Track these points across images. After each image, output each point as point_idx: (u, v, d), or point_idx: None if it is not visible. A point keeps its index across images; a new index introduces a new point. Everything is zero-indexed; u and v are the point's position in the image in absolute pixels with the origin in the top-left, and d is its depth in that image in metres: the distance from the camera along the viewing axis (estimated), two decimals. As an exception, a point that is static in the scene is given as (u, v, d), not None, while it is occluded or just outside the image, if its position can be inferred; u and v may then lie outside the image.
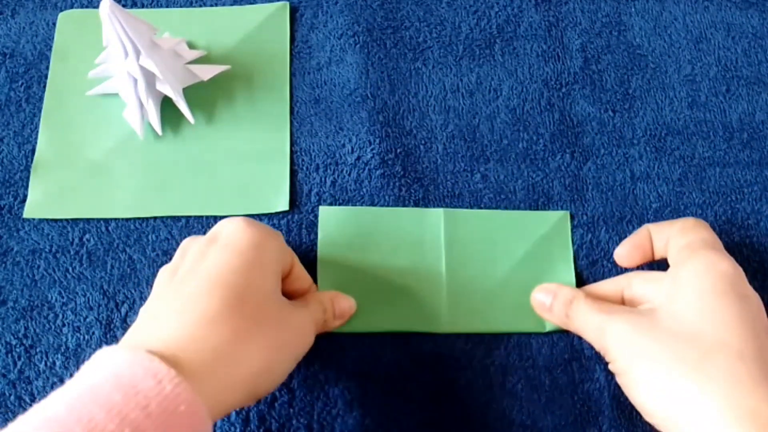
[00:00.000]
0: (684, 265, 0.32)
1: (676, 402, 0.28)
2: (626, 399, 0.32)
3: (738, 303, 0.30)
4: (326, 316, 0.35)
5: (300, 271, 0.35)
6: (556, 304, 0.35)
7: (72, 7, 0.46)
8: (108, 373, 0.25)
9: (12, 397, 0.35)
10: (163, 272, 0.33)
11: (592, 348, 0.37)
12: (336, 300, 0.36)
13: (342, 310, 0.36)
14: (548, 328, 0.37)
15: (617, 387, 0.36)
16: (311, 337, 0.33)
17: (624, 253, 0.36)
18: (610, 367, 0.33)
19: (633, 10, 0.47)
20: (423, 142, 0.42)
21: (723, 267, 0.31)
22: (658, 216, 0.40)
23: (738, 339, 0.29)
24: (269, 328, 0.30)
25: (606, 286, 0.36)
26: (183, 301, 0.29)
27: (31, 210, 0.40)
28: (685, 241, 0.33)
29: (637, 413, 0.31)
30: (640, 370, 0.30)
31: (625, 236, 0.37)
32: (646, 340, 0.30)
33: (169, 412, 0.24)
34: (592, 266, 0.39)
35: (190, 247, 0.32)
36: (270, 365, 0.30)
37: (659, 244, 0.35)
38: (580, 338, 0.37)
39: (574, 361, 0.37)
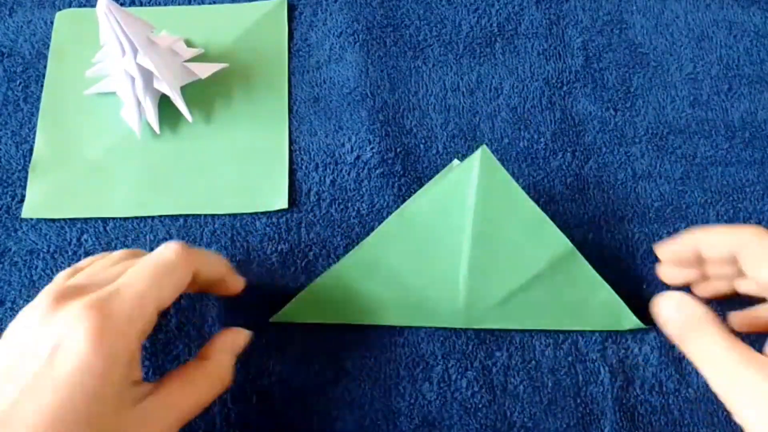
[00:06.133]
0: None
1: None
2: (629, 402, 0.32)
3: None
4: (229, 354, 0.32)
5: (230, 279, 0.34)
6: (679, 317, 0.30)
7: (69, 5, 0.46)
8: None
9: (9, 399, 0.35)
10: (54, 289, 0.28)
11: (596, 350, 0.37)
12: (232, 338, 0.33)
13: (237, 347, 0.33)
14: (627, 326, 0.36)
15: (620, 390, 0.36)
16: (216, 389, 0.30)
17: (665, 272, 0.33)
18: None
19: (634, 8, 0.46)
20: (423, 141, 0.42)
21: None
22: (660, 215, 0.40)
23: None
24: None
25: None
26: None
27: (29, 210, 0.39)
28: None
29: (641, 417, 0.31)
30: None
31: (627, 236, 0.37)
32: None
33: None
34: (594, 266, 0.39)
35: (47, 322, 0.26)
36: None
37: (718, 259, 0.31)
38: (583, 339, 0.36)
39: (577, 363, 0.36)
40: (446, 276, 0.35)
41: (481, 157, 0.35)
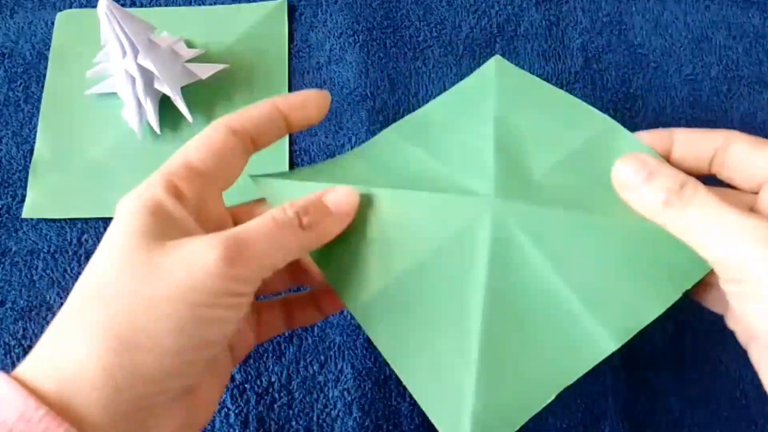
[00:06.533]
0: None
1: None
2: (630, 403, 0.32)
3: None
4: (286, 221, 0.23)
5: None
6: (653, 183, 0.24)
7: (70, 6, 0.46)
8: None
9: (9, 399, 0.35)
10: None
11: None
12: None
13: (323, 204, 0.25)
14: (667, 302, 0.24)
15: (622, 391, 0.36)
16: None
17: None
18: (729, 281, 0.23)
19: (634, 9, 0.46)
20: (423, 141, 0.42)
21: None
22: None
23: None
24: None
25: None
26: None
27: (30, 210, 0.40)
28: None
29: (643, 418, 0.31)
30: None
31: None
32: None
33: None
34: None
35: None
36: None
37: (694, 157, 0.26)
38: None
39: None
40: (472, 162, 0.27)
41: (495, 64, 0.30)
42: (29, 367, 0.20)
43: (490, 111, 0.29)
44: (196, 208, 0.23)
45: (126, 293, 0.20)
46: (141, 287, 0.20)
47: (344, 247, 0.26)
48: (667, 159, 0.26)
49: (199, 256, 0.20)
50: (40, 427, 0.18)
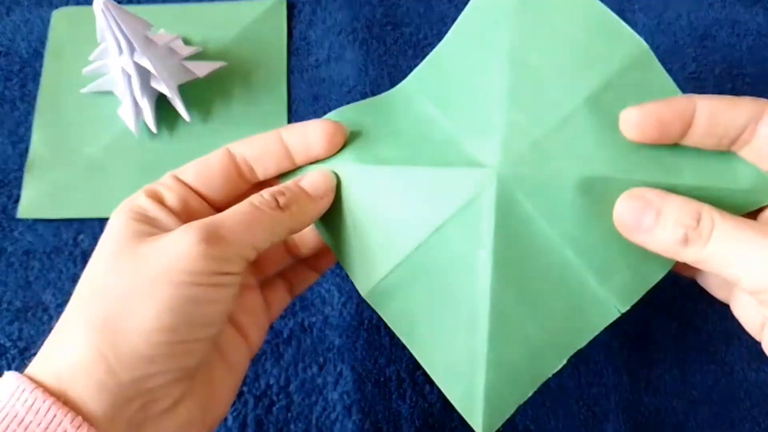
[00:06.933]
0: None
1: None
2: (632, 404, 0.31)
3: None
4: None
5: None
6: (666, 223, 0.22)
7: (66, 4, 0.45)
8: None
9: (5, 401, 0.35)
10: None
11: (599, 351, 0.36)
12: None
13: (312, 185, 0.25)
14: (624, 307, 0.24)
15: (624, 391, 0.35)
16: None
17: (639, 119, 0.23)
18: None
19: (636, 7, 0.46)
20: (423, 140, 0.41)
21: None
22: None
23: None
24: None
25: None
26: None
27: (25, 210, 0.39)
28: None
29: (645, 419, 0.31)
30: None
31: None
32: None
33: None
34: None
35: None
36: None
37: (718, 135, 0.23)
38: (588, 342, 0.36)
39: (581, 364, 0.36)
40: (481, 119, 0.25)
41: None
42: (34, 366, 0.21)
43: (505, 47, 0.25)
44: (182, 210, 0.24)
45: (114, 286, 0.22)
46: (128, 278, 0.22)
47: (352, 231, 0.26)
48: (685, 135, 0.23)
49: (177, 241, 0.22)
50: (48, 417, 0.20)
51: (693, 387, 0.36)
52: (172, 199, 0.24)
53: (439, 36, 0.45)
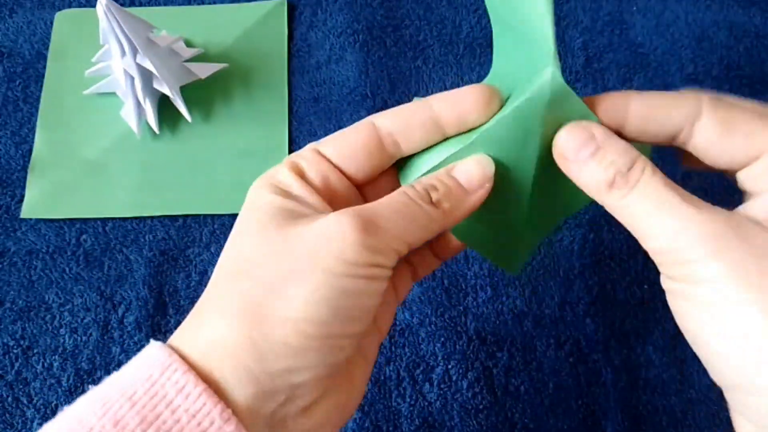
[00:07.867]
0: None
1: None
2: (631, 403, 0.31)
3: None
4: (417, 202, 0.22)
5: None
6: (601, 160, 0.22)
7: (69, 6, 0.45)
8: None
9: (9, 399, 0.35)
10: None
11: (598, 350, 0.37)
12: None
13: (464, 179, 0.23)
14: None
15: (623, 391, 0.35)
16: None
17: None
18: (667, 277, 0.21)
19: (635, 8, 0.46)
20: (423, 141, 0.42)
21: None
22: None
23: None
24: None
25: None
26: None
27: (28, 210, 0.39)
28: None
29: (644, 417, 0.31)
30: (729, 301, 0.19)
31: (627, 235, 0.37)
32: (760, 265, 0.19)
33: None
34: (596, 265, 0.39)
35: None
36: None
37: (653, 133, 0.23)
38: (587, 341, 0.36)
39: (579, 363, 0.36)
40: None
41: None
42: (177, 338, 0.20)
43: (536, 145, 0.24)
44: (323, 187, 0.23)
45: (263, 268, 0.20)
46: (278, 262, 0.20)
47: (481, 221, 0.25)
48: (619, 133, 0.23)
49: (334, 227, 0.20)
50: (197, 405, 0.18)
51: (691, 386, 0.36)
52: (313, 174, 0.23)
53: (439, 38, 0.45)
